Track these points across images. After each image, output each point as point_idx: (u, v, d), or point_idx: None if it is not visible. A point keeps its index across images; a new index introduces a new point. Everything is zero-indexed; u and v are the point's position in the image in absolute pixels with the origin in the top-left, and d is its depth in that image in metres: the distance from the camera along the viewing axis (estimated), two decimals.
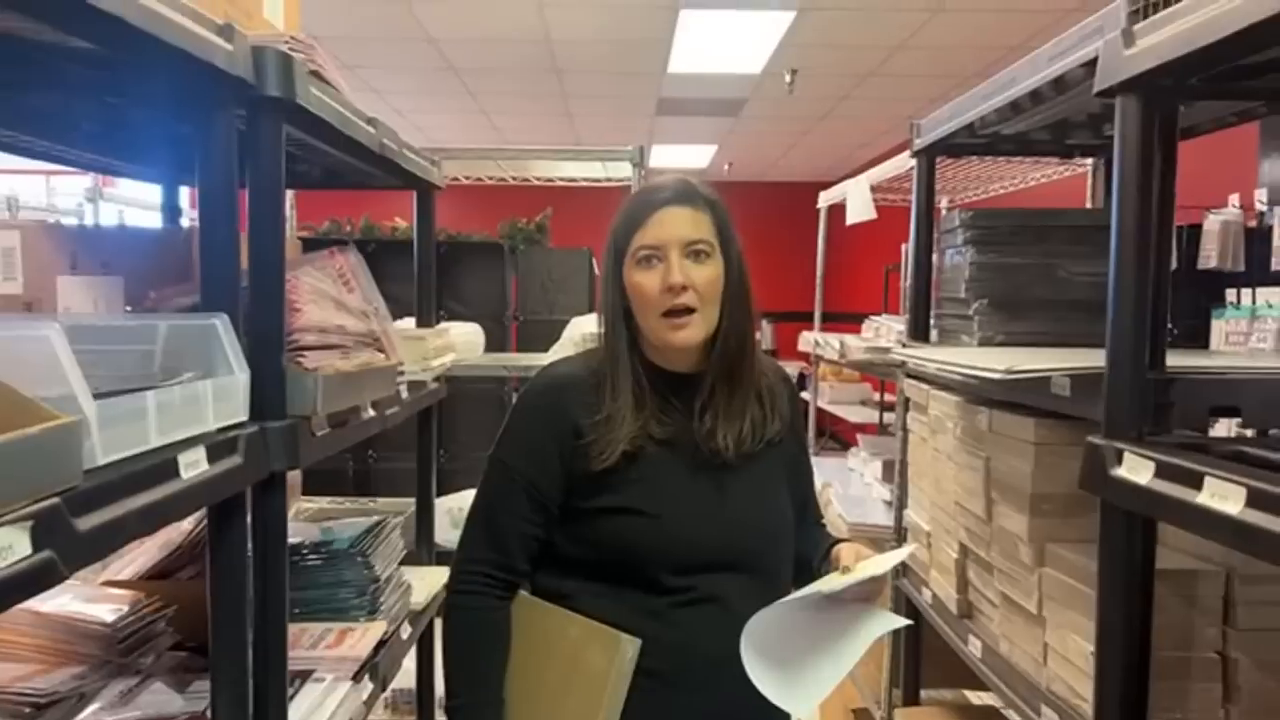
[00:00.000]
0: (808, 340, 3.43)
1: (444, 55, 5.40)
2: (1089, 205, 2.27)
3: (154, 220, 2.11)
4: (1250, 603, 1.16)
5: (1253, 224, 3.03)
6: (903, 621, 1.32)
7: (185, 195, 1.92)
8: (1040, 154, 2.11)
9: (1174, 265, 1.33)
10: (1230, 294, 2.84)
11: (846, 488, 3.11)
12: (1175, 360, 1.18)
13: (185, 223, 1.86)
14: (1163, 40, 0.98)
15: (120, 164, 1.77)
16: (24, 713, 1.18)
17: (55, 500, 0.70)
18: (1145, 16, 1.03)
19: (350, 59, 5.41)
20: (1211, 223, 3.01)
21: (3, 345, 0.77)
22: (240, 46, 1.03)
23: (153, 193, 1.94)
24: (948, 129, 1.82)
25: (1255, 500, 0.83)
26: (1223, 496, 0.86)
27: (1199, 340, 2.52)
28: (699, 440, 1.33)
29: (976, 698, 2.18)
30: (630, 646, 1.25)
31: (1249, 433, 1.41)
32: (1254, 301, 2.77)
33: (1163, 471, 0.98)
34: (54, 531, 0.68)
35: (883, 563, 1.25)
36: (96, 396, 0.79)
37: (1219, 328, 2.67)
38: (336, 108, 1.31)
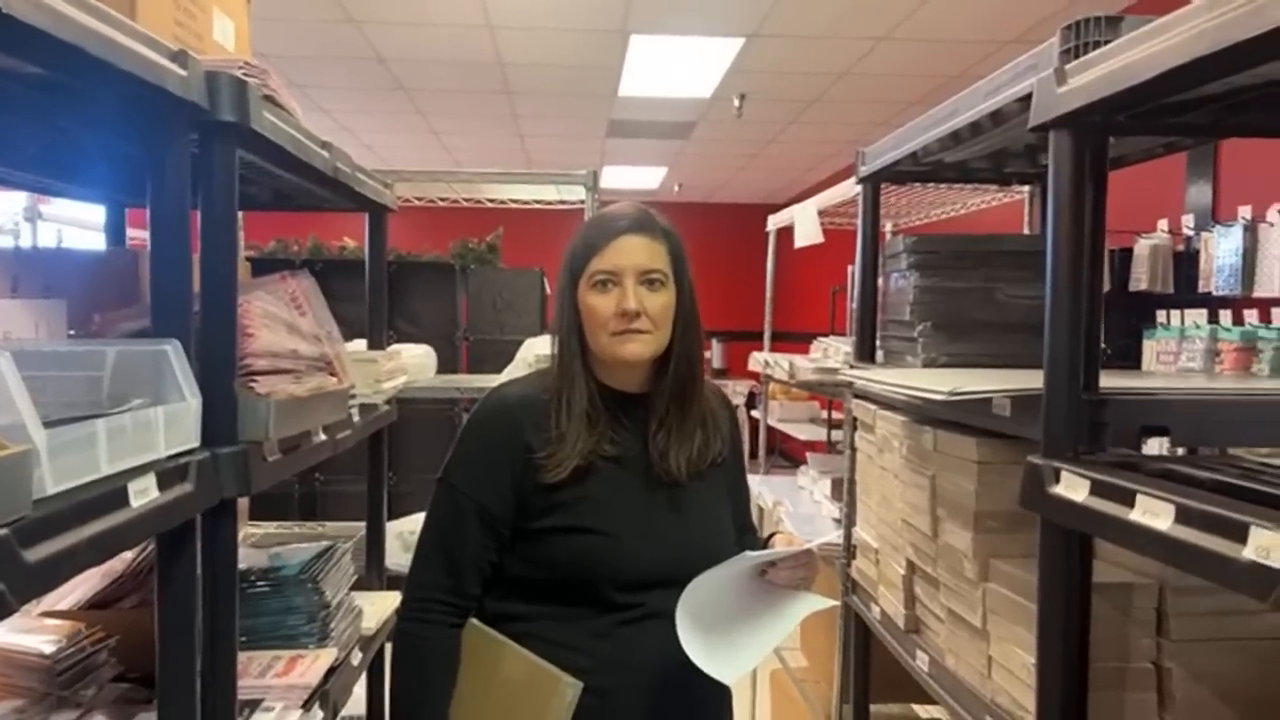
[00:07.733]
0: (758, 360, 3.47)
1: (394, 75, 5.38)
2: (1026, 230, 2.35)
3: (93, 240, 2.07)
4: (1182, 614, 1.20)
5: (1180, 248, 3.16)
6: (830, 603, 1.38)
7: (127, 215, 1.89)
8: (980, 181, 2.18)
9: (1107, 287, 1.38)
10: (1160, 315, 2.95)
11: (797, 506, 3.14)
12: (1110, 380, 1.23)
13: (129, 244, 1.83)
14: (1092, 80, 1.03)
15: (64, 185, 1.73)
16: None
17: (4, 531, 0.69)
18: (1076, 57, 1.08)
19: (300, 78, 5.36)
20: (1141, 247, 3.13)
21: None
22: (194, 72, 1.03)
23: (93, 212, 1.91)
24: (892, 157, 1.88)
25: (1184, 517, 0.87)
26: (1154, 513, 0.91)
27: (1131, 359, 2.61)
28: (653, 460, 1.36)
29: (925, 712, 2.22)
30: (570, 690, 1.27)
31: (1180, 451, 1.47)
32: (1183, 322, 2.87)
33: (1098, 490, 1.01)
34: (3, 563, 0.67)
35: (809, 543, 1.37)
36: (45, 425, 0.78)
37: (1150, 347, 2.76)
38: (291, 132, 1.31)
